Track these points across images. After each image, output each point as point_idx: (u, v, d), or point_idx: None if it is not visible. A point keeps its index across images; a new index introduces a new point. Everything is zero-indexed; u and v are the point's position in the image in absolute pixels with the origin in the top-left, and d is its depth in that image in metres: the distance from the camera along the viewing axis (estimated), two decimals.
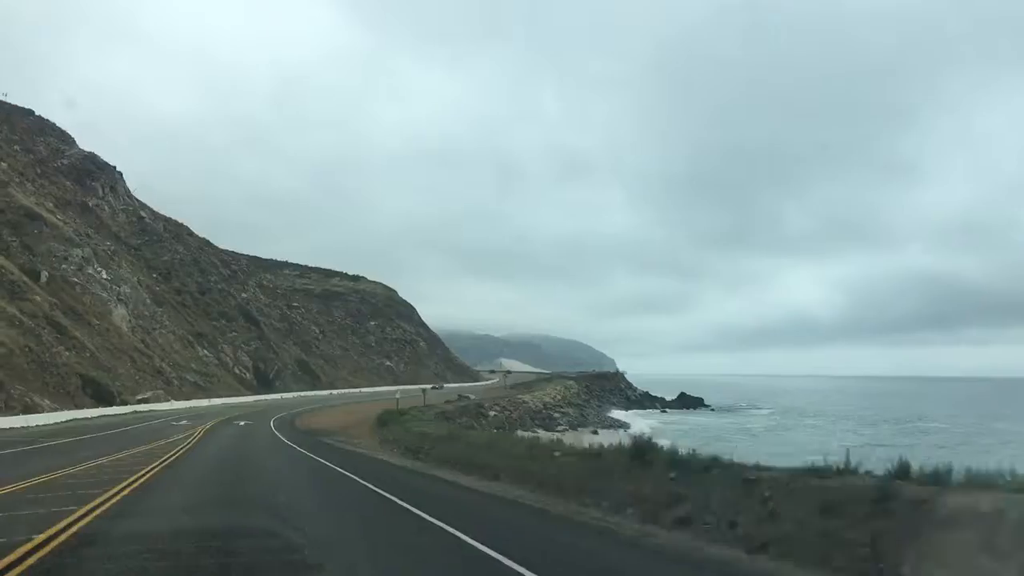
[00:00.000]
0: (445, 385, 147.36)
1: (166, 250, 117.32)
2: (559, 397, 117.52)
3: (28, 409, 47.28)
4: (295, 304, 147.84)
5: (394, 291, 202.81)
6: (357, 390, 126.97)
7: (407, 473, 21.21)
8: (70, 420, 46.99)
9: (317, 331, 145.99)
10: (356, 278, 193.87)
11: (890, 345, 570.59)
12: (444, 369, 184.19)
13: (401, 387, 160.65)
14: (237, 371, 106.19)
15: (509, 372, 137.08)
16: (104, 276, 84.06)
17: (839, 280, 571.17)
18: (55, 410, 49.71)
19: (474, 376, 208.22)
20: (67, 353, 62.07)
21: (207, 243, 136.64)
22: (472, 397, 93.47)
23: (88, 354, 65.84)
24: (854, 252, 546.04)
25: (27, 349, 55.40)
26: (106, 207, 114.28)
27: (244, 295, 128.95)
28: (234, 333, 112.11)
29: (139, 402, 66.26)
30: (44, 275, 73.64)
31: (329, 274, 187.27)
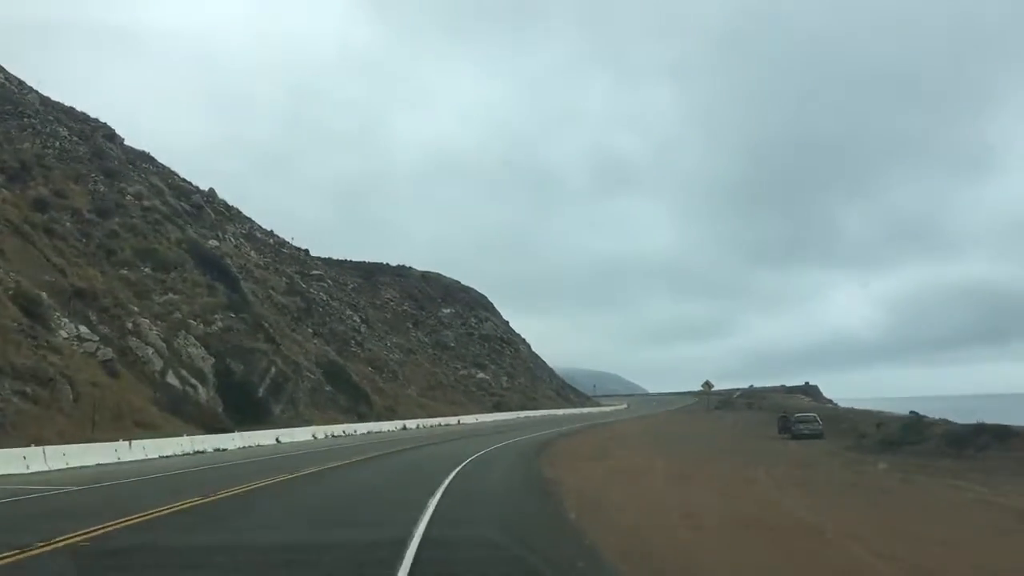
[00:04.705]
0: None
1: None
2: None
3: None
4: (315, 272, 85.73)
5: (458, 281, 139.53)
6: (454, 420, 64.24)
7: None
8: None
9: (356, 319, 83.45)
10: (402, 268, 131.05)
11: (934, 364, 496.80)
12: (562, 386, 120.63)
13: (564, 410, 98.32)
14: (175, 378, 44.52)
15: (712, 388, 75.08)
16: None
17: (886, 295, 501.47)
18: None
19: (588, 402, 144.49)
20: None
21: (146, 156, 76.26)
22: None
23: None
24: (910, 262, 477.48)
25: None
26: None
27: (214, 242, 67.48)
28: (171, 296, 50.25)
29: None
30: None
31: (361, 265, 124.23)
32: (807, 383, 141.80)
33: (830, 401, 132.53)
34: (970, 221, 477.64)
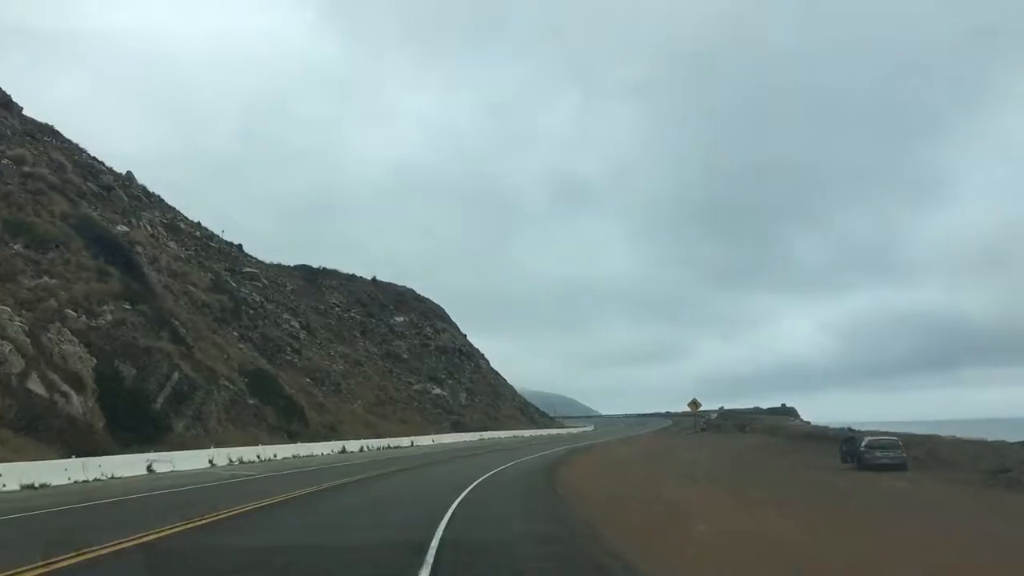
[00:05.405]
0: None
1: None
2: None
3: None
4: (247, 270, 75.34)
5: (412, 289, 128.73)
6: (406, 441, 54.88)
7: None
8: None
9: (295, 324, 73.19)
10: (351, 277, 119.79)
11: (884, 390, 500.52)
12: (525, 405, 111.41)
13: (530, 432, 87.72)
14: (40, 383, 34.16)
15: (699, 408, 66.12)
16: None
17: (839, 321, 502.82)
18: None
19: (553, 423, 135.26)
20: None
21: (50, 129, 66.37)
22: None
23: None
24: (863, 289, 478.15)
25: None
26: None
27: (123, 227, 57.65)
28: (46, 279, 39.99)
29: None
30: None
31: (304, 267, 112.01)
32: (783, 404, 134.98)
33: (808, 422, 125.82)
34: (921, 249, 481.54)
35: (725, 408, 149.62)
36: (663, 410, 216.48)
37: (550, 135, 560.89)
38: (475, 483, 23.44)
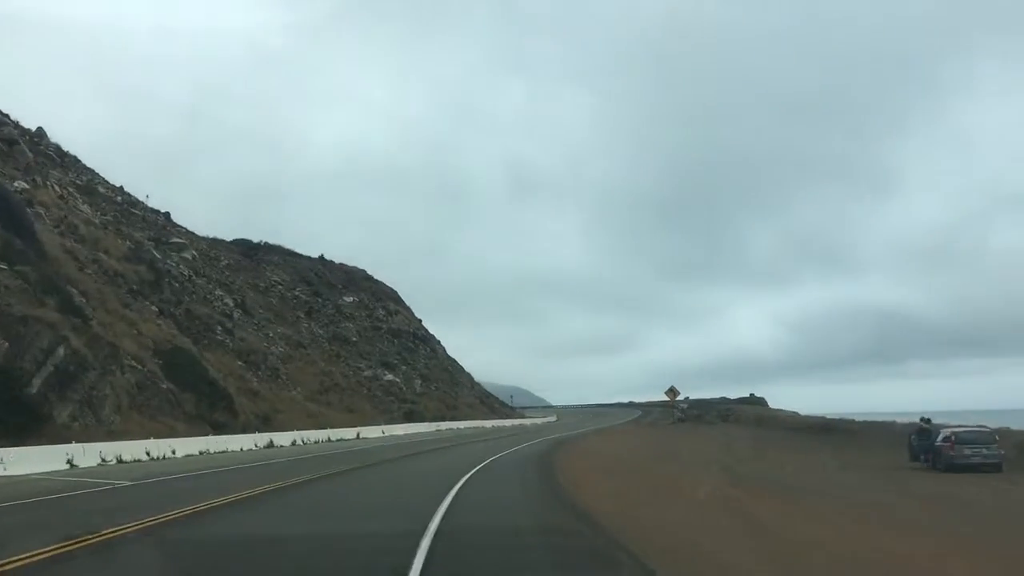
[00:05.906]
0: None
1: None
2: None
3: None
4: (175, 240, 67.41)
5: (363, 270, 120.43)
6: (351, 434, 48.26)
7: None
8: None
9: (229, 302, 65.65)
10: (296, 254, 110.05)
11: (833, 382, 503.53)
12: (484, 394, 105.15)
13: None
14: None
15: (678, 397, 60.37)
16: None
17: (790, 313, 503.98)
18: None
19: (514, 414, 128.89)
20: None
21: None
22: None
23: None
24: (814, 282, 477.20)
25: None
26: None
27: (22, 184, 50.29)
28: None
29: None
30: None
31: (242, 241, 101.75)
32: (752, 394, 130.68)
33: (797, 412, 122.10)
34: (871, 243, 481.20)
35: (690, 398, 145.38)
36: (625, 399, 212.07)
37: (505, 123, 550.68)
38: (448, 507, 16.36)
